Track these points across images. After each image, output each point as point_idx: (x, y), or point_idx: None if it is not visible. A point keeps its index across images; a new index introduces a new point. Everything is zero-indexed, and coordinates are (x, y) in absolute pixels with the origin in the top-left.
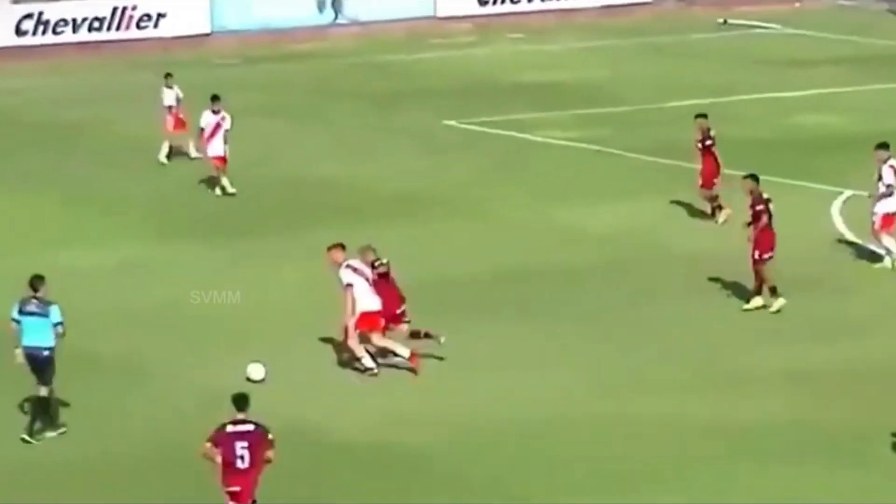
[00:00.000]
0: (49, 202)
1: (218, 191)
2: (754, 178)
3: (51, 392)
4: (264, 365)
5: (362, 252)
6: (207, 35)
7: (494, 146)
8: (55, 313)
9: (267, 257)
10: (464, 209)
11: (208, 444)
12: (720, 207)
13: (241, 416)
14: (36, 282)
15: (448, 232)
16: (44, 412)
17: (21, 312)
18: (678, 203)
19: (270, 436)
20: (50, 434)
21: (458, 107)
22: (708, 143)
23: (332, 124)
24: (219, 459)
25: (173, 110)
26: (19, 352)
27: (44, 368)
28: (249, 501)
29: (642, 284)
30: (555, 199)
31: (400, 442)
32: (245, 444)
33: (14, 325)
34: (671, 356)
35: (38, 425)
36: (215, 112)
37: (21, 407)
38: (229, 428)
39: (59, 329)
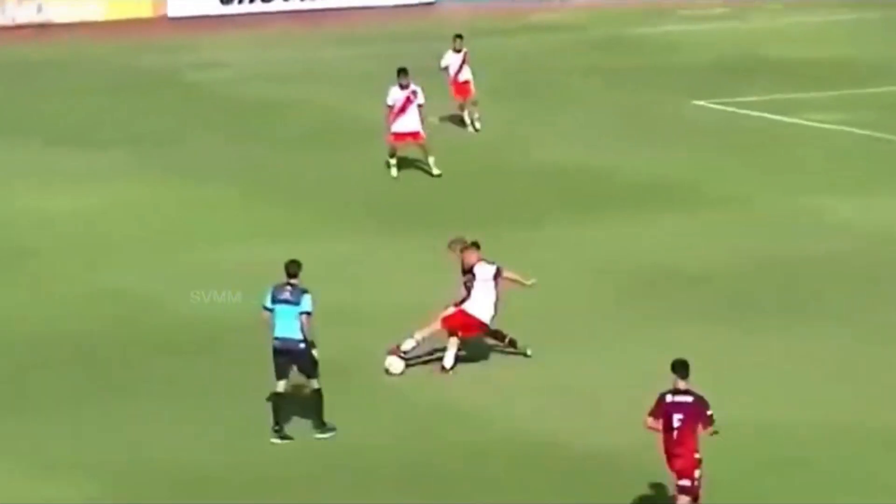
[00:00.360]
0: (240, 189)
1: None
2: None
3: (319, 386)
4: (401, 358)
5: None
6: (431, 4)
7: (749, 129)
8: (306, 302)
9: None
10: (716, 199)
11: (648, 418)
12: None
13: (682, 385)
14: (292, 267)
15: (699, 224)
16: (315, 409)
17: (274, 301)
18: None
19: (710, 412)
20: (320, 436)
21: (708, 85)
22: None
23: (568, 105)
24: (659, 427)
25: (454, 75)
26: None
27: (300, 362)
28: (688, 475)
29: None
30: (820, 190)
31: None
32: (681, 415)
33: (265, 313)
34: None
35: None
36: (403, 87)
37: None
38: (668, 398)
39: (304, 319)
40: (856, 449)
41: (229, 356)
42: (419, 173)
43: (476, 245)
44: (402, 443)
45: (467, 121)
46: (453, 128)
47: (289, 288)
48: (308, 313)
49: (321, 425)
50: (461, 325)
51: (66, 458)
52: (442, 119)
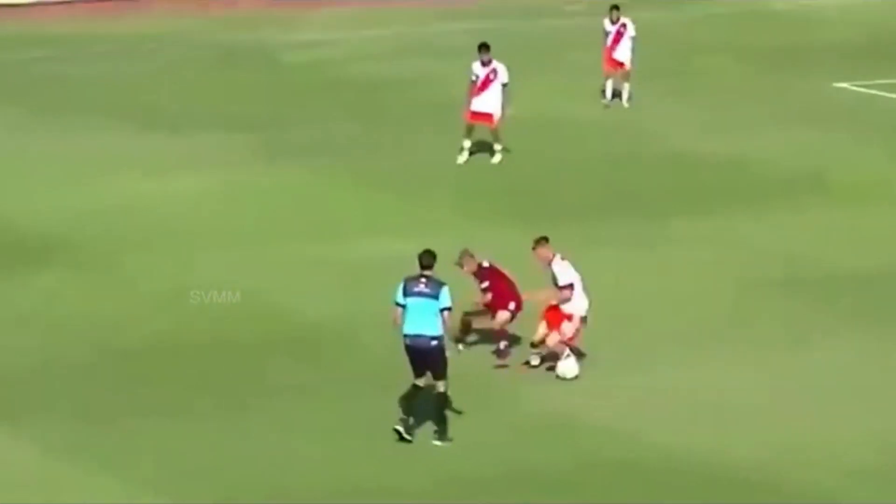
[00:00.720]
0: (343, 177)
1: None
2: None
3: (446, 390)
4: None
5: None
6: None
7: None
8: (445, 296)
9: (609, 245)
10: (861, 193)
11: None
12: None
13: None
14: (426, 258)
15: (839, 220)
16: (437, 414)
17: (406, 294)
18: None
19: None
20: (437, 443)
21: (854, 65)
22: None
23: (695, 87)
24: None
25: (609, 47)
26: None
27: (431, 361)
28: None
29: None
30: None
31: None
32: None
33: (397, 309)
34: None
35: (412, 421)
36: (485, 63)
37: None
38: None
39: (445, 316)
40: None
41: (343, 359)
42: (531, 157)
43: (545, 239)
44: (524, 453)
45: (607, 93)
46: (578, 108)
47: (423, 280)
48: (449, 309)
49: (442, 432)
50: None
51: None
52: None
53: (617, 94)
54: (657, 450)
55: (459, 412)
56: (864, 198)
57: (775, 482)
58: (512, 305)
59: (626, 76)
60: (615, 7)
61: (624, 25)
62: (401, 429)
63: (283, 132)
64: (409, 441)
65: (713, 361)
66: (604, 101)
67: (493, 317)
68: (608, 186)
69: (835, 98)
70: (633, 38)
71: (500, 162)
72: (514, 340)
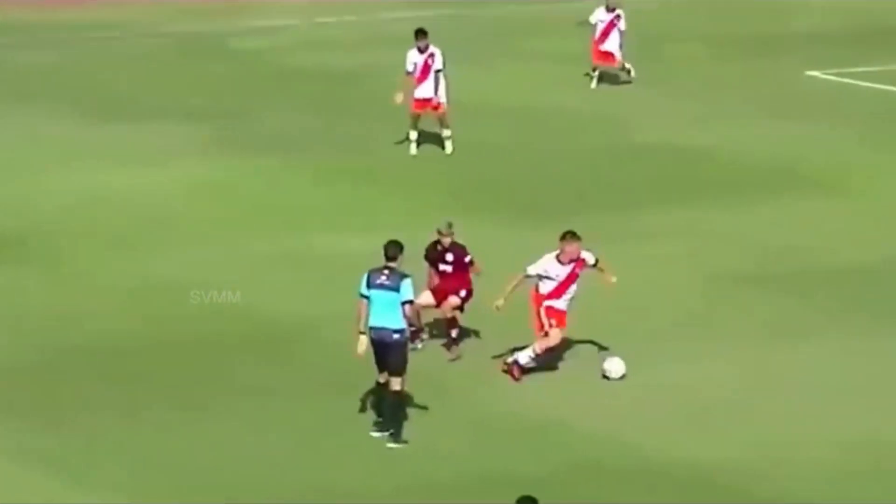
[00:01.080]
0: (304, 171)
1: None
2: None
3: (402, 388)
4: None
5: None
6: None
7: (871, 104)
8: (406, 289)
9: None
10: (831, 183)
11: None
12: None
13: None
14: (391, 249)
15: (815, 211)
16: (391, 413)
17: (369, 286)
18: None
19: None
20: (391, 445)
21: (826, 53)
22: None
23: (671, 76)
24: None
25: (598, 37)
26: (363, 339)
27: (391, 355)
28: None
29: None
30: None
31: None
32: None
33: (362, 301)
34: None
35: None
36: (422, 50)
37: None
38: None
39: (406, 309)
40: None
41: (303, 357)
42: (497, 150)
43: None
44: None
45: (594, 77)
46: (541, 98)
47: (386, 272)
48: (410, 302)
49: (397, 434)
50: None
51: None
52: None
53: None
54: (626, 449)
55: (424, 408)
56: (838, 188)
57: (747, 482)
58: (463, 293)
59: (619, 66)
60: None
61: (618, 17)
62: (377, 434)
63: (241, 123)
64: (391, 432)
65: (685, 357)
66: (592, 87)
67: (442, 303)
68: (579, 178)
69: (807, 86)
70: (623, 32)
71: (457, 152)
72: (465, 334)
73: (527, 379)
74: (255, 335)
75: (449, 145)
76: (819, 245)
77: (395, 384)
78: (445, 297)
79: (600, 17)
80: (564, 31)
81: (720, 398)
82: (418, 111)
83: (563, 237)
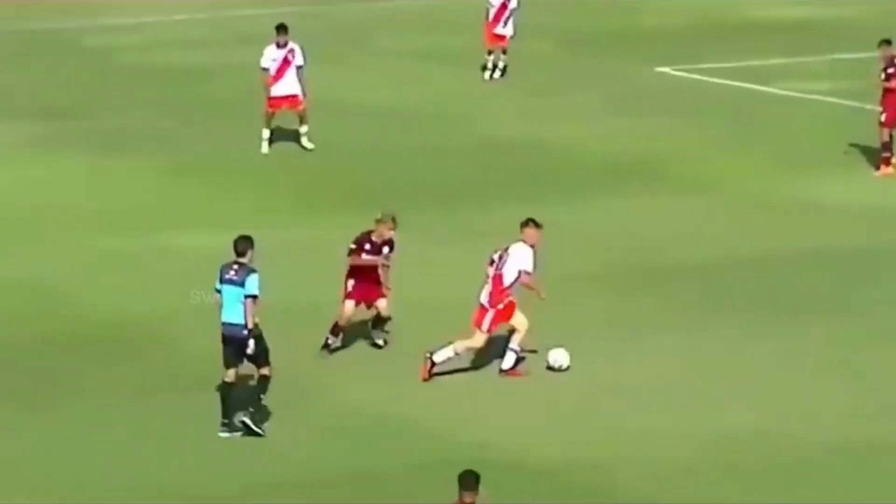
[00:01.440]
0: (154, 169)
1: (304, 141)
2: None
3: (269, 374)
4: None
5: (385, 222)
6: None
7: (720, 100)
8: (250, 283)
9: (437, 239)
10: (682, 179)
11: None
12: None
13: None
14: (240, 244)
15: (663, 208)
16: (254, 397)
17: (220, 280)
18: None
19: None
20: (243, 418)
21: (674, 50)
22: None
23: (520, 72)
24: None
25: (491, 21)
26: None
27: (246, 350)
28: None
29: None
30: (801, 169)
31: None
32: None
33: (216, 295)
34: None
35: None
36: (281, 45)
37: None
38: None
39: (248, 303)
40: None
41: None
42: (348, 147)
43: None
44: (348, 458)
45: (489, 67)
46: (396, 95)
47: (235, 266)
48: (253, 296)
49: (251, 413)
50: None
51: None
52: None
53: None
54: (476, 448)
55: (279, 406)
56: (689, 184)
57: (597, 479)
58: (385, 291)
59: (505, 50)
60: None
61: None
62: (225, 434)
63: (90, 121)
64: (241, 430)
65: (531, 355)
66: (485, 76)
67: (376, 303)
68: (430, 175)
69: (657, 83)
70: (514, 11)
71: (314, 150)
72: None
73: (375, 377)
74: (100, 334)
75: (307, 141)
76: (668, 242)
77: (265, 371)
78: (370, 290)
79: (492, 1)
80: (421, 28)
81: (569, 395)
82: (274, 109)
83: (527, 223)
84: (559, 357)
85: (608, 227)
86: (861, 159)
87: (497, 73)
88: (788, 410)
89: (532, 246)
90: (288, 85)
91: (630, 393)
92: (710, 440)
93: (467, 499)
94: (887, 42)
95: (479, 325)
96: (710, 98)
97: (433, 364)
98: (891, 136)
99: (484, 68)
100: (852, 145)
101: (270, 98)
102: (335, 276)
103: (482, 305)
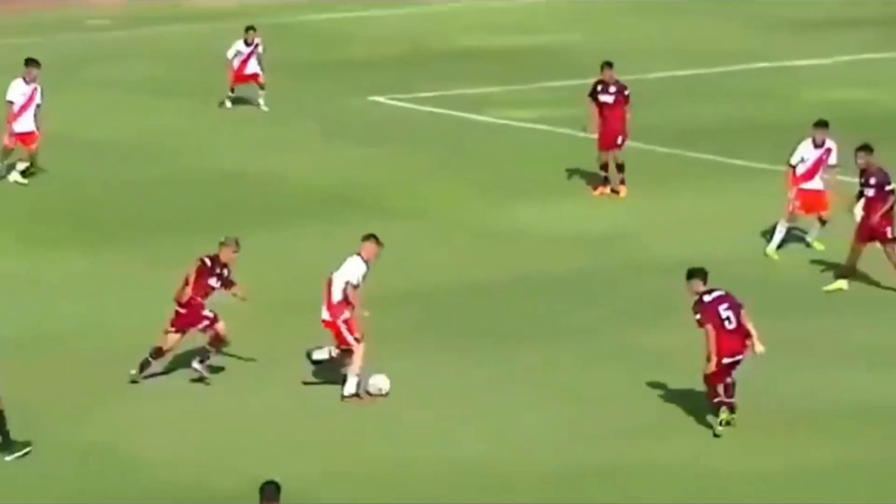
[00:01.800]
0: None
1: (16, 176)
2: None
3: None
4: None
5: (228, 245)
6: None
7: (433, 128)
8: None
9: (147, 265)
10: (395, 208)
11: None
12: (607, 180)
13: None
14: None
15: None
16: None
17: None
18: (668, 199)
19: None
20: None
21: (387, 79)
22: (612, 90)
23: (236, 100)
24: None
25: (239, 66)
26: None
27: None
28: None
29: (629, 301)
30: (514, 197)
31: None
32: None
33: None
34: (666, 390)
35: None
36: (28, 81)
37: None
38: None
39: None
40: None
41: None
42: (59, 178)
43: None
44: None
45: (228, 102)
46: (113, 128)
47: None
48: None
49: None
50: None
51: None
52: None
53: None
54: (191, 473)
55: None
56: (403, 212)
57: None
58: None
59: (262, 86)
60: (251, 28)
61: (257, 46)
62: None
63: None
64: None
65: (247, 382)
66: (228, 106)
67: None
68: (144, 207)
69: (371, 112)
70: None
71: (34, 183)
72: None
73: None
74: None
75: (20, 176)
76: (384, 269)
77: None
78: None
79: (240, 49)
80: (134, 58)
81: (296, 426)
82: (15, 145)
83: (367, 238)
84: (379, 382)
85: (322, 255)
86: (572, 185)
87: (262, 104)
88: (509, 436)
89: (367, 260)
90: (29, 122)
91: (354, 420)
92: (446, 471)
93: None
94: (609, 64)
95: (344, 342)
96: (424, 126)
97: (356, 395)
98: (608, 159)
99: (227, 100)
100: (565, 171)
101: (15, 134)
102: (56, 309)
103: (328, 321)
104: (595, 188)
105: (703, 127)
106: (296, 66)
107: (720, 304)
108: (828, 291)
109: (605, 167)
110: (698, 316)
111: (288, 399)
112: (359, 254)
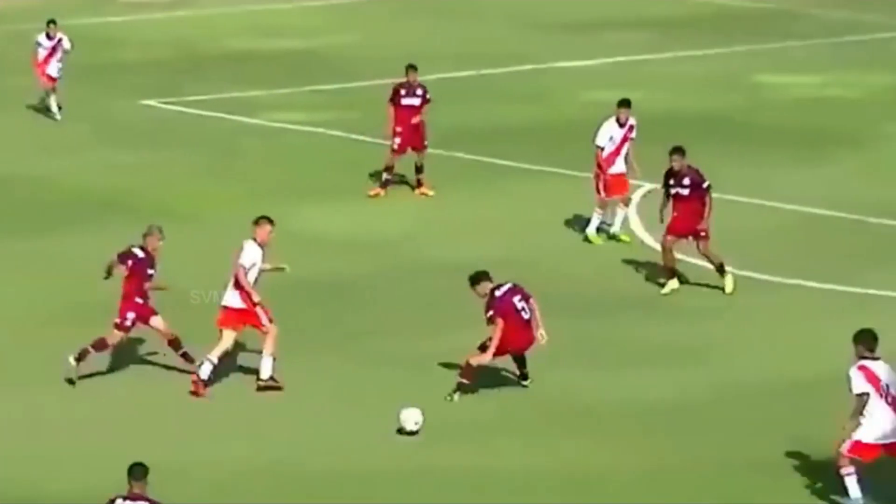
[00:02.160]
0: None
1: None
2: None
3: None
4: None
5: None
6: None
7: (207, 132)
8: None
9: None
10: (168, 212)
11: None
12: (387, 182)
13: None
14: None
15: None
16: None
17: None
18: (443, 202)
19: None
20: None
21: (158, 82)
22: (418, 93)
23: (12, 105)
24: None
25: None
26: None
27: None
28: None
29: (400, 304)
30: (288, 199)
31: None
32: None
33: None
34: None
35: None
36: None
37: None
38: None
39: None
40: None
41: None
42: None
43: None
44: None
45: (53, 107)
46: None
47: None
48: None
49: None
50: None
51: None
52: None
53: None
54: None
55: None
56: (171, 215)
57: None
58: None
59: (55, 90)
60: (52, 22)
61: (60, 41)
62: None
63: None
64: None
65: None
66: (55, 116)
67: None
68: None
69: (142, 115)
70: (66, 52)
71: None
72: None
73: None
74: None
75: None
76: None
77: None
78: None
79: (42, 42)
80: None
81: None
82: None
83: (259, 221)
84: (415, 416)
85: (93, 259)
86: (345, 188)
87: (55, 112)
88: (281, 440)
89: (261, 244)
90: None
91: (178, 419)
92: (220, 475)
93: (136, 489)
94: (413, 67)
95: (260, 326)
96: (196, 130)
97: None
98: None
99: (48, 109)
100: (340, 174)
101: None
102: None
103: (241, 309)
104: (374, 190)
105: (476, 129)
106: (67, 68)
107: (514, 295)
108: (664, 294)
109: (390, 170)
110: (491, 312)
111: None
112: (253, 238)
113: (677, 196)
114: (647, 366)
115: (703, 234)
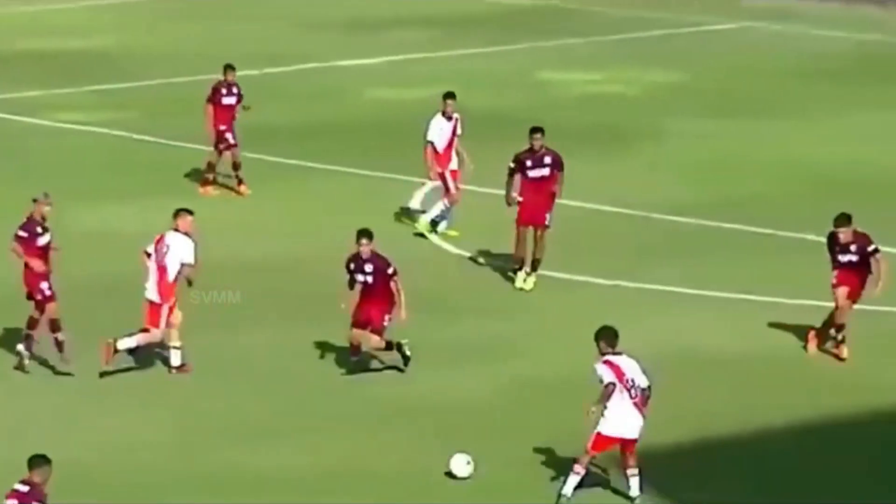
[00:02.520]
0: None
1: None
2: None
3: None
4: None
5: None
6: None
7: None
8: None
9: None
10: None
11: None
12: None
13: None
14: None
15: None
16: None
17: None
18: (232, 201)
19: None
20: None
21: None
22: (235, 91)
23: None
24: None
25: None
26: None
27: None
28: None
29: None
30: (77, 200)
31: None
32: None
33: None
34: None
35: None
36: None
37: None
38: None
39: None
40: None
41: None
42: None
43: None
44: None
45: None
46: None
47: None
48: None
49: None
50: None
51: None
52: None
53: None
54: None
55: None
56: None
57: None
58: None
59: None
60: None
61: None
62: None
63: None
64: None
65: None
66: None
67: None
68: None
69: None
70: None
71: None
72: None
73: None
74: None
75: None
76: None
77: None
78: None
79: None
80: None
81: None
82: None
83: (179, 213)
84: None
85: None
86: (128, 187)
87: None
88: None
89: (189, 234)
90: None
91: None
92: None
93: (36, 478)
94: (231, 67)
95: (155, 323)
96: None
97: (116, 350)
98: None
99: None
100: (123, 174)
101: None
102: None
103: (153, 302)
104: (203, 186)
105: (258, 129)
106: None
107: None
108: (525, 290)
109: (212, 167)
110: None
111: None
112: (176, 229)
113: (530, 179)
114: (432, 367)
115: (547, 224)
